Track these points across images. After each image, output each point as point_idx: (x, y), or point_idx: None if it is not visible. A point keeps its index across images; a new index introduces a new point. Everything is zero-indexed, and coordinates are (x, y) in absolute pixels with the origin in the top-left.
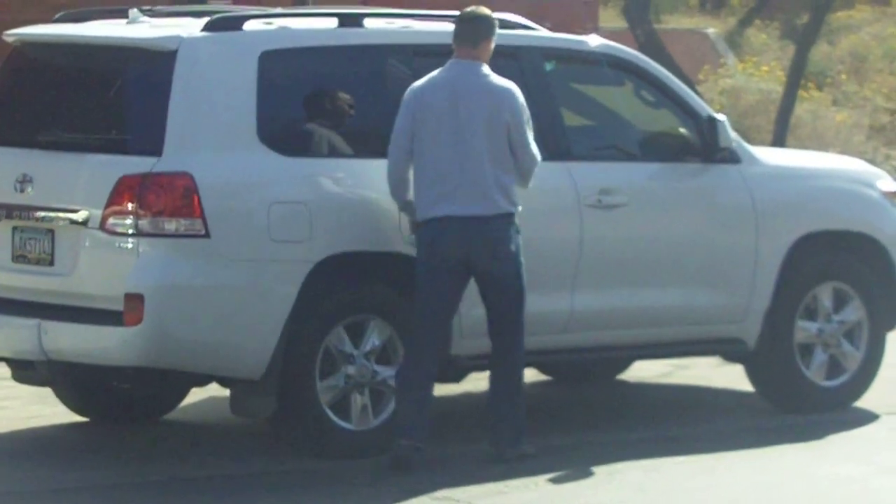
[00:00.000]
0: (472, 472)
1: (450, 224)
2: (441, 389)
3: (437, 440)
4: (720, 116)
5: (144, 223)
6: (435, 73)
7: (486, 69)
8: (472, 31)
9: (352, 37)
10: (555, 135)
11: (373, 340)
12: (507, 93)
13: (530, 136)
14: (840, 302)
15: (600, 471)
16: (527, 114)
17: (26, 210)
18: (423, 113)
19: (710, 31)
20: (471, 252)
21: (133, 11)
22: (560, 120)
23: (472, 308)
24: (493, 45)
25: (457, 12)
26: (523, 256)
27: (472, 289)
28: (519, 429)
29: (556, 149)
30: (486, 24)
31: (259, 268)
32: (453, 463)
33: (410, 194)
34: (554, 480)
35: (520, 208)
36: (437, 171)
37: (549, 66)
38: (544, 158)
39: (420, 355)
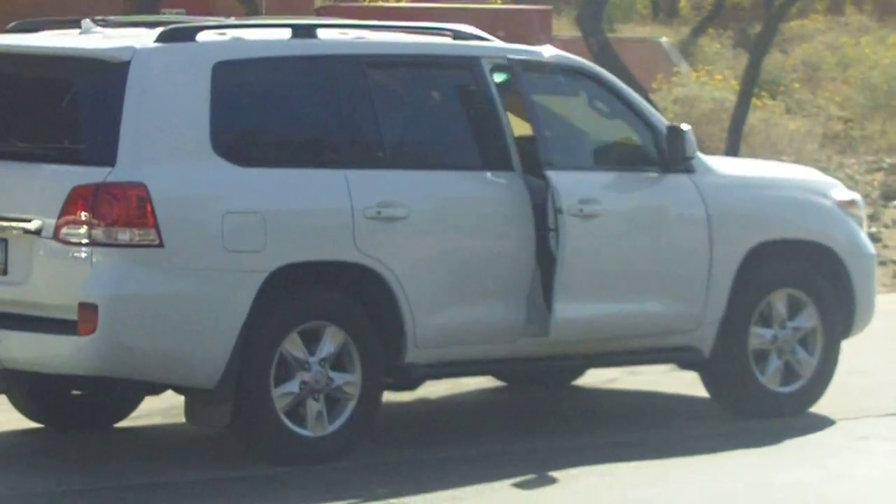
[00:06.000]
0: (426, 478)
1: None
2: (396, 396)
3: (391, 446)
4: (685, 126)
5: (98, 233)
6: None
7: None
8: None
9: (305, 47)
10: (509, 145)
11: (328, 347)
12: None
13: None
14: (795, 309)
15: (556, 476)
16: None
17: None
18: None
19: (664, 40)
20: None
21: (86, 22)
22: (513, 130)
23: (426, 317)
24: None
25: (413, 24)
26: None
27: (427, 295)
28: None
29: (510, 159)
30: None
31: (213, 277)
32: (408, 469)
33: None
34: (510, 487)
35: None
36: None
37: (502, 77)
38: (498, 168)
39: None
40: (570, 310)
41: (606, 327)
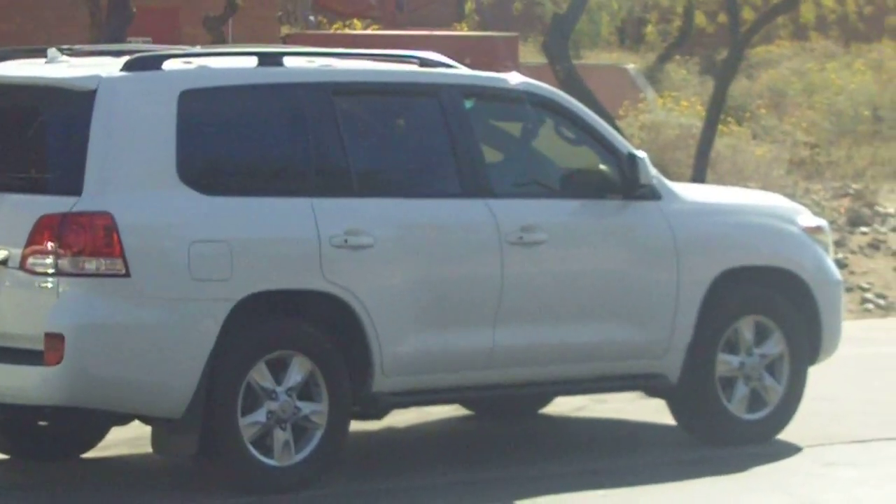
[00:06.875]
0: None
1: None
2: (363, 425)
3: (359, 475)
4: (640, 153)
5: (64, 263)
6: None
7: None
8: None
9: (272, 76)
10: (475, 172)
11: (295, 376)
12: None
13: None
14: (762, 336)
15: None
16: None
17: None
18: None
19: (630, 66)
20: None
21: (52, 51)
22: (480, 157)
23: (394, 345)
24: None
25: (380, 52)
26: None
27: (394, 324)
28: None
29: (476, 186)
30: None
31: (180, 306)
32: (376, 498)
33: None
34: None
35: None
36: None
37: (468, 104)
38: (465, 195)
39: None
40: (533, 336)
41: (573, 353)
